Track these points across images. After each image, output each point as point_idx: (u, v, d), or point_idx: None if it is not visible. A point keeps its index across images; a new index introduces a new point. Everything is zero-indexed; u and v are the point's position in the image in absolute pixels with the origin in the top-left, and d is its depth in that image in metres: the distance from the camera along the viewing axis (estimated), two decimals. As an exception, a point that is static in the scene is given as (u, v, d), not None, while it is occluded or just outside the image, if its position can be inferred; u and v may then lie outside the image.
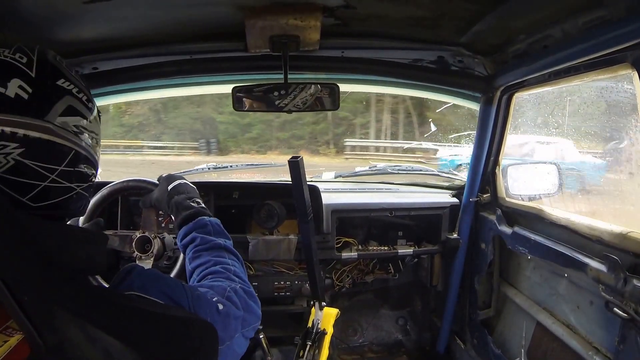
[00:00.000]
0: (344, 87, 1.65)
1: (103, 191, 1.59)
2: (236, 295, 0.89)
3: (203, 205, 1.14)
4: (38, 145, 0.65)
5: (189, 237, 1.05)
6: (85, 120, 0.71)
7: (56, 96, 0.68)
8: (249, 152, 11.32)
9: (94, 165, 0.75)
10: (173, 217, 1.16)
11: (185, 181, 1.22)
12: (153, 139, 12.00)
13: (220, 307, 0.83)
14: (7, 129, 0.62)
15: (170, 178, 1.22)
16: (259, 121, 11.41)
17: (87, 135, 0.72)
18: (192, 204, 1.12)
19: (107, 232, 1.60)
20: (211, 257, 1.00)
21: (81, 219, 1.54)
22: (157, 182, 1.31)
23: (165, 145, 11.65)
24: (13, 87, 0.63)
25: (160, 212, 1.84)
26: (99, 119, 0.78)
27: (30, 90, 0.64)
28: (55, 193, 0.68)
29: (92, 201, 1.58)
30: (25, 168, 0.64)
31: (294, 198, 1.56)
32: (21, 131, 0.63)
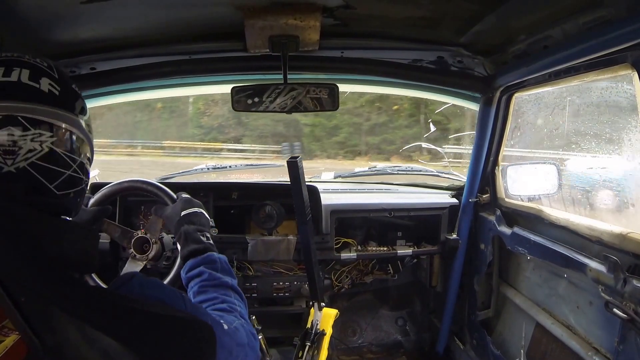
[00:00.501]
0: (343, 88, 1.65)
1: (123, 183, 1.57)
2: (243, 329, 0.90)
3: (211, 241, 1.14)
4: (67, 135, 0.72)
5: (196, 271, 1.05)
6: (89, 121, 0.78)
7: (75, 97, 0.75)
8: (336, 157, 10.39)
9: (91, 163, 0.80)
10: (179, 245, 1.15)
11: (201, 211, 1.22)
12: (233, 142, 11.03)
13: (225, 327, 0.84)
14: (43, 119, 0.68)
15: (188, 203, 1.23)
16: (347, 124, 10.65)
17: (91, 135, 0.78)
18: (202, 237, 1.13)
19: (111, 222, 1.60)
20: (218, 294, 1.00)
21: (91, 200, 1.54)
22: (175, 197, 1.32)
23: (245, 148, 10.65)
24: (45, 84, 0.70)
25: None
26: None
27: (58, 88, 0.71)
28: (74, 183, 0.74)
29: (108, 188, 1.57)
30: (56, 156, 0.70)
31: (293, 198, 1.55)
32: (55, 121, 0.70)
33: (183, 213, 1.18)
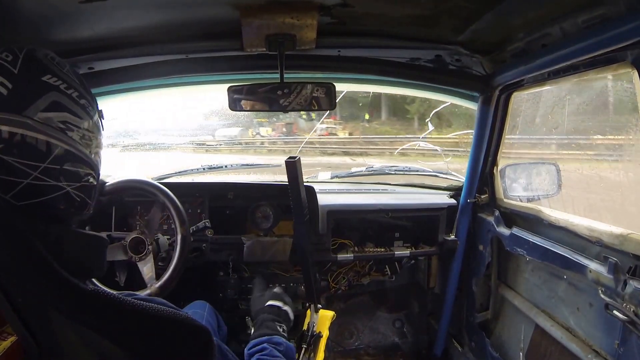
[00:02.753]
0: (340, 87, 1.64)
1: (169, 197, 1.69)
2: None
3: (285, 334, 1.25)
4: (16, 141, 0.63)
5: (259, 347, 1.12)
6: (74, 117, 0.69)
7: (39, 92, 0.66)
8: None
9: (89, 164, 0.73)
10: (252, 328, 1.29)
11: (286, 308, 1.35)
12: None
13: None
14: None
15: (277, 296, 1.38)
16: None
17: (76, 132, 0.70)
18: (277, 326, 1.23)
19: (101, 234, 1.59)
20: None
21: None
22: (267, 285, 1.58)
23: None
24: None
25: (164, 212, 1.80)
26: (101, 119, 0.77)
27: (10, 86, 0.64)
28: (40, 191, 0.66)
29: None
30: (6, 164, 0.63)
31: (291, 199, 1.54)
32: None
33: (269, 303, 1.31)
